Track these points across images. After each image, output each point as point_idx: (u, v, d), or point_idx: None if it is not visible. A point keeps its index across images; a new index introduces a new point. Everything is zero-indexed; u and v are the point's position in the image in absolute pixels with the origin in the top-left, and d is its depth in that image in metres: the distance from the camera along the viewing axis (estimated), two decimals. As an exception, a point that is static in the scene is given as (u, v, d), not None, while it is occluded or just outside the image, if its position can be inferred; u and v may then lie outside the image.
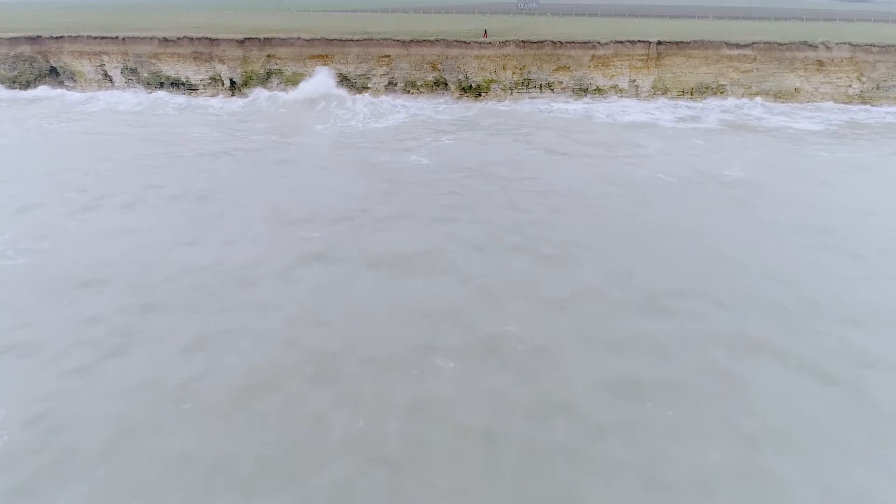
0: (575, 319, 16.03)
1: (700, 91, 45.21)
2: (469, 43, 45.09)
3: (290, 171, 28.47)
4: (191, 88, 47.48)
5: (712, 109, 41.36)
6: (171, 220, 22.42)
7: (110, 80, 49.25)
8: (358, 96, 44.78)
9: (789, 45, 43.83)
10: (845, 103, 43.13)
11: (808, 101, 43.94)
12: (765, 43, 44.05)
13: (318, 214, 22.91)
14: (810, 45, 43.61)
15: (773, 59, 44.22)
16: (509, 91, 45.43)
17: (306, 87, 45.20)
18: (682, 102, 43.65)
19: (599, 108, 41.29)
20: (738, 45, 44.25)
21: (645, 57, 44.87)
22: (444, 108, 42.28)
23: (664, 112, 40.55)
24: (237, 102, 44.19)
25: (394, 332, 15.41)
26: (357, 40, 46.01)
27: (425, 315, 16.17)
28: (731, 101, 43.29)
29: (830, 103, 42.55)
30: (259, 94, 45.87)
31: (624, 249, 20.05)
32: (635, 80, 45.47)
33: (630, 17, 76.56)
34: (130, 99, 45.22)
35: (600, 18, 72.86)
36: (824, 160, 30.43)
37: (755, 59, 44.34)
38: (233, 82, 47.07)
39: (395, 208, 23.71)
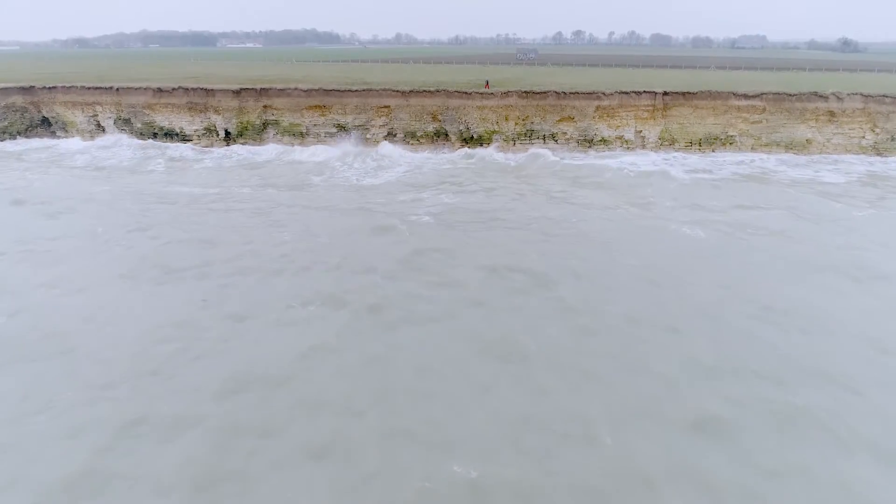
0: (641, 415, 13.67)
1: (708, 142, 43.89)
2: (470, 94, 44.04)
3: (286, 232, 26.04)
4: (185, 139, 46.13)
5: (726, 161, 39.86)
6: (157, 300, 19.57)
7: (103, 130, 47.98)
8: (358, 148, 43.37)
9: (799, 96, 42.77)
10: (859, 154, 41.77)
11: (819, 153, 42.55)
12: (774, 93, 43.01)
13: (324, 290, 20.11)
14: (821, 96, 42.57)
15: (782, 109, 43.10)
16: (511, 142, 44.09)
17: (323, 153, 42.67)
18: (691, 155, 42.19)
19: (609, 160, 39.68)
20: (746, 96, 43.20)
21: (651, 107, 43.76)
22: (445, 160, 40.74)
23: (675, 165, 38.97)
24: (233, 157, 42.50)
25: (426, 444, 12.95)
26: (356, 90, 44.96)
27: (457, 416, 13.75)
28: (745, 154, 41.83)
29: (850, 155, 41.13)
30: (267, 150, 43.82)
31: (687, 324, 17.63)
32: (641, 131, 44.24)
33: (631, 67, 76.66)
34: (122, 151, 43.68)
35: (600, 69, 72.84)
36: (867, 217, 28.21)
37: (764, 109, 43.21)
38: (228, 133, 45.76)
39: (407, 278, 21.14)
